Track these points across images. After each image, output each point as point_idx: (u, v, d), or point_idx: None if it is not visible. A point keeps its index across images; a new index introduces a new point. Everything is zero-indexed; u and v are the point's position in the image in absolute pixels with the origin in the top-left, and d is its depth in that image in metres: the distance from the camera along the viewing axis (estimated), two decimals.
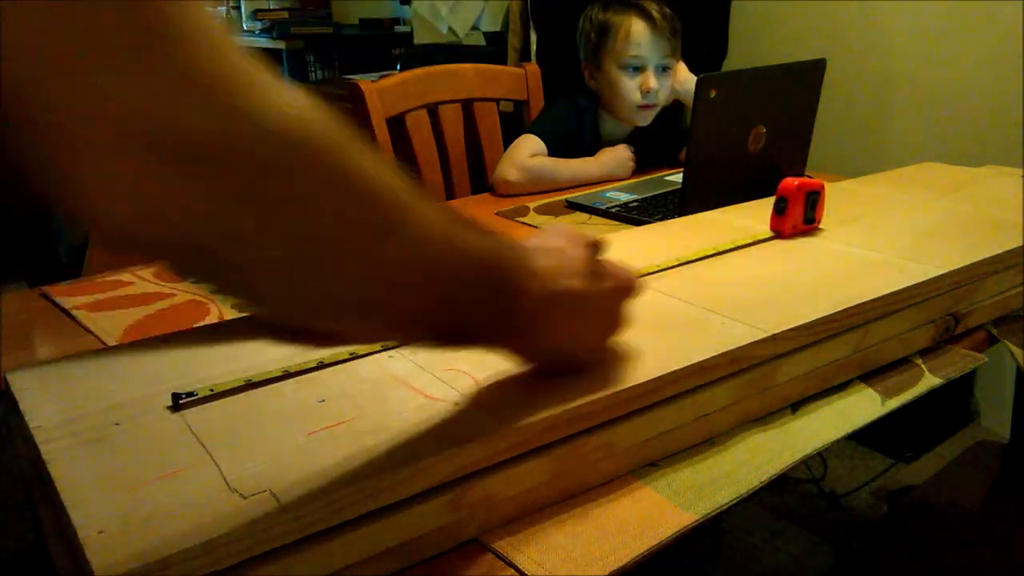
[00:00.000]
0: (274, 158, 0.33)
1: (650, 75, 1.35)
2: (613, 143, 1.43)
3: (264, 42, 3.21)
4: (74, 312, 0.84)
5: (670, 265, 0.74)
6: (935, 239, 0.82)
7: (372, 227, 0.37)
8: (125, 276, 0.95)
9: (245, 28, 3.49)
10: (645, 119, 1.40)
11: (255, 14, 3.38)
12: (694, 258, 0.76)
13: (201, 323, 0.80)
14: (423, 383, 0.54)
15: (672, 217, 1.03)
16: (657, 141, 1.48)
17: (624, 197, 1.23)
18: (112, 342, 0.76)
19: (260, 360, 0.57)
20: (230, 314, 0.82)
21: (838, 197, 1.00)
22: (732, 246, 0.79)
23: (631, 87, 1.35)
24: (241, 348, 0.59)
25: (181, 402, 0.51)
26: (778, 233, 0.82)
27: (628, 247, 0.80)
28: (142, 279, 0.94)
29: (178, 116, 0.31)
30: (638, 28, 1.33)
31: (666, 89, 1.38)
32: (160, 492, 0.42)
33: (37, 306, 0.87)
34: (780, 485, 1.74)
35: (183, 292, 0.89)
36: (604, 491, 0.53)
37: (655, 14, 1.35)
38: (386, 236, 0.37)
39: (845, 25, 1.93)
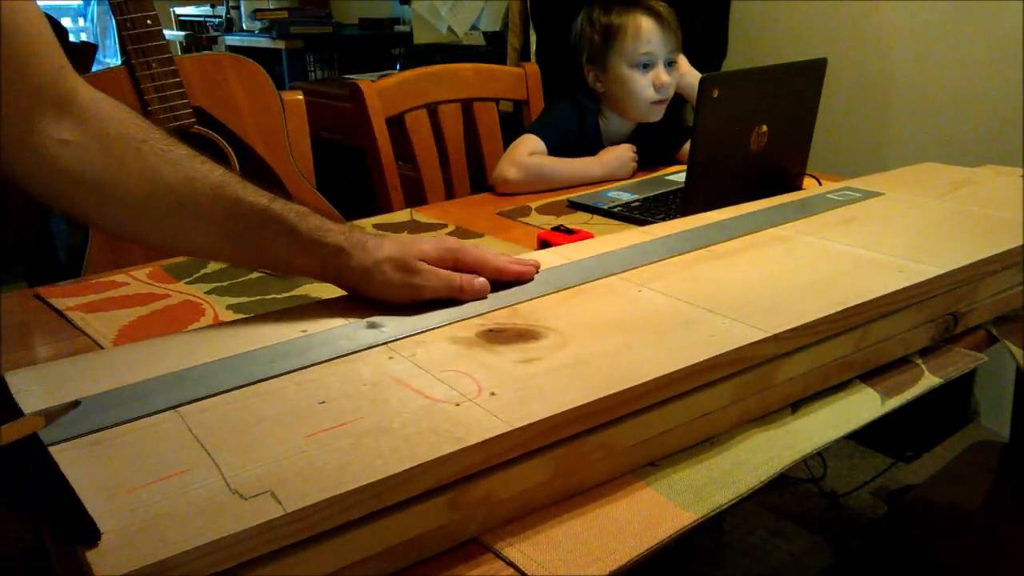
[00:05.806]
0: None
1: (661, 70, 1.35)
2: (614, 143, 1.43)
3: (263, 42, 3.20)
4: (68, 313, 0.83)
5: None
6: (935, 239, 0.81)
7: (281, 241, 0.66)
8: (120, 277, 0.95)
9: (245, 28, 3.48)
10: (658, 114, 1.40)
11: (255, 14, 3.38)
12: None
13: (196, 324, 0.80)
14: (423, 384, 0.54)
15: (674, 217, 1.03)
16: (657, 139, 1.48)
17: (626, 197, 1.22)
18: (106, 344, 0.76)
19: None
20: (225, 315, 0.82)
21: None
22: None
23: (643, 84, 1.36)
24: (238, 348, 0.59)
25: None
26: None
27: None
28: (136, 280, 0.94)
29: None
30: (647, 25, 1.35)
31: (674, 83, 1.38)
32: (160, 493, 0.42)
33: (34, 306, 0.87)
34: (780, 485, 1.74)
35: (177, 293, 0.89)
36: (604, 491, 0.53)
37: (660, 9, 1.36)
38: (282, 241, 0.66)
39: (845, 25, 1.93)
